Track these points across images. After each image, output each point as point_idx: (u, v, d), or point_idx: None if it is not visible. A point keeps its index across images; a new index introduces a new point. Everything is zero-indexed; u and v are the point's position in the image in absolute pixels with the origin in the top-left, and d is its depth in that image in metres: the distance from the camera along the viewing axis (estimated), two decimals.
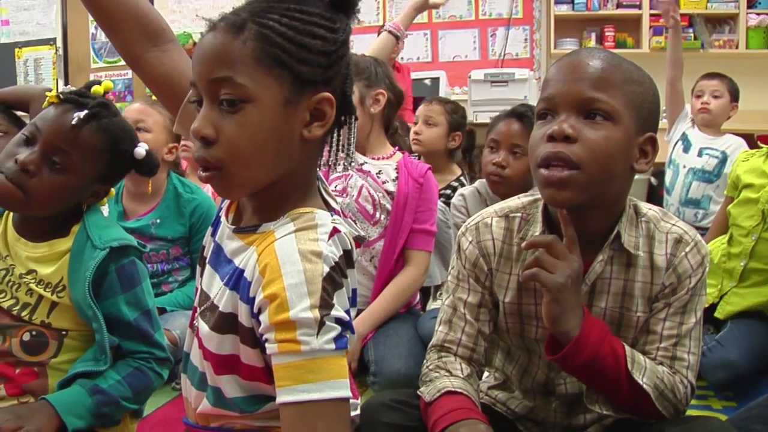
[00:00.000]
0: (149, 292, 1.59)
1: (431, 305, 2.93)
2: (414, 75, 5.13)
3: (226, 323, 1.11)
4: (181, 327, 2.41)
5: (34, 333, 1.52)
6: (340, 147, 1.16)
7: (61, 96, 1.50)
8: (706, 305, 2.45)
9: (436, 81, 5.43)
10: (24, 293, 1.51)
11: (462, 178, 3.64)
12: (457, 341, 1.47)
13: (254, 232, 1.11)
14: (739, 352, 2.30)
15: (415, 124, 3.56)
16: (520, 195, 1.52)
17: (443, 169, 3.60)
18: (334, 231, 1.07)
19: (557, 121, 1.28)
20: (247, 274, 1.07)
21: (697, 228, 3.56)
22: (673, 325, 1.38)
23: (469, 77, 5.18)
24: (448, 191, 3.49)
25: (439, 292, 3.00)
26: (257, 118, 1.03)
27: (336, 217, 1.12)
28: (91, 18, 7.01)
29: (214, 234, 1.23)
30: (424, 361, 1.50)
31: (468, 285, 1.48)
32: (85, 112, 1.47)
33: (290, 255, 1.02)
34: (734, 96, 3.81)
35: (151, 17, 1.29)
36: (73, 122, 1.45)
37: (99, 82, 1.57)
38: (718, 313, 2.51)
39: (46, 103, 1.52)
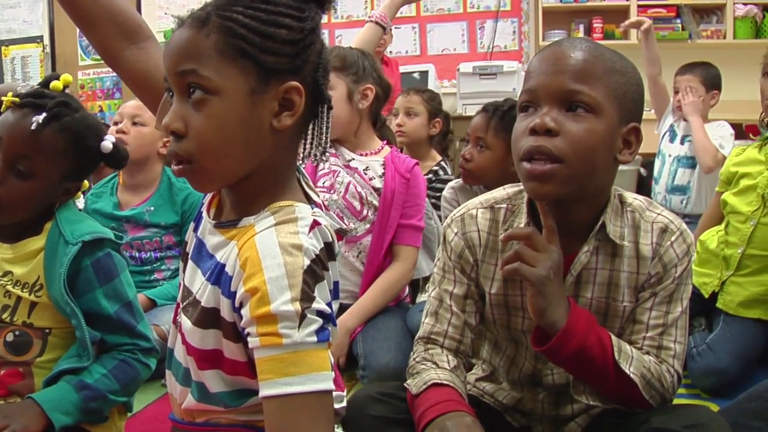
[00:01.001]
0: (129, 283, 1.58)
1: (420, 298, 2.94)
2: (402, 69, 5.13)
3: (208, 318, 1.11)
4: (170, 322, 2.40)
5: (17, 333, 1.52)
6: (314, 138, 1.15)
7: (18, 99, 1.48)
8: (706, 295, 2.47)
9: (425, 74, 5.42)
10: (2, 296, 1.51)
11: (443, 162, 3.72)
12: (444, 333, 1.47)
13: (234, 227, 1.11)
14: (729, 359, 2.27)
15: (396, 115, 3.58)
16: (506, 186, 1.52)
17: (424, 155, 3.69)
18: (315, 224, 1.07)
19: (539, 114, 1.27)
20: (228, 269, 1.07)
21: (683, 216, 3.60)
22: (659, 314, 1.38)
23: (458, 70, 5.19)
24: (430, 175, 3.57)
25: (427, 285, 3.00)
26: (223, 110, 1.03)
27: (316, 209, 1.11)
28: None
29: (196, 229, 1.22)
30: (411, 353, 1.50)
31: (454, 276, 1.48)
32: (44, 115, 1.45)
33: (270, 248, 1.02)
34: (711, 84, 3.80)
35: (126, 15, 1.29)
36: (33, 127, 1.44)
37: (57, 77, 1.56)
38: (720, 303, 2.50)
39: (3, 107, 1.49)
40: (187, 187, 2.65)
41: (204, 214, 1.21)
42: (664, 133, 3.95)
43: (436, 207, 2.90)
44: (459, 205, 2.49)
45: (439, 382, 1.37)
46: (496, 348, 1.57)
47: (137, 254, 2.68)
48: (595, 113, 1.26)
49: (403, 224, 2.47)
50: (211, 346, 1.12)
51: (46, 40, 7.28)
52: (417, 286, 2.96)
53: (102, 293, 1.52)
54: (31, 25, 7.30)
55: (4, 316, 1.51)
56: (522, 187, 1.44)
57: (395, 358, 2.09)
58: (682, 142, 3.83)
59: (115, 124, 2.67)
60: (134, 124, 2.63)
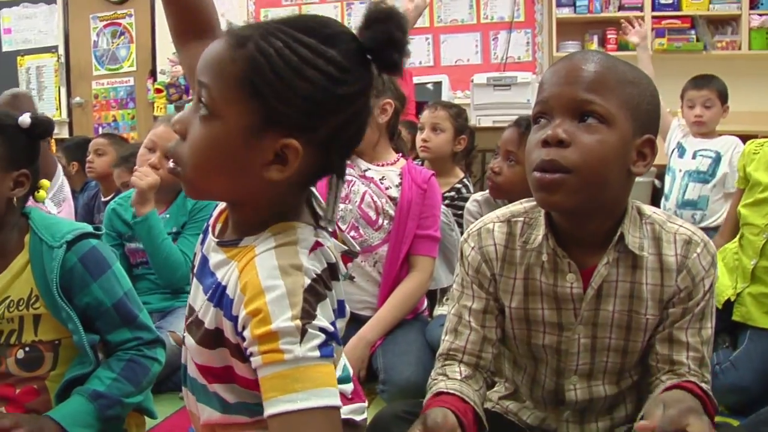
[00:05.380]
0: (123, 274, 1.58)
1: (438, 311, 2.92)
2: (416, 79, 5.12)
3: (213, 339, 1.09)
4: None
5: (27, 349, 1.52)
6: (320, 207, 1.13)
7: None
8: (719, 305, 2.46)
9: (438, 85, 5.42)
10: (6, 323, 1.50)
11: (465, 180, 3.67)
12: (462, 349, 1.46)
13: (236, 246, 1.09)
14: (753, 377, 2.24)
15: (421, 130, 3.54)
16: (522, 200, 1.51)
17: (447, 172, 3.62)
18: (317, 245, 1.06)
19: (551, 125, 1.27)
20: (229, 291, 1.06)
21: (699, 228, 3.58)
22: (694, 331, 1.39)
23: (472, 81, 5.17)
24: (452, 193, 3.53)
25: (445, 297, 2.99)
26: (217, 135, 1.02)
27: (320, 231, 1.10)
28: (92, 26, 7.10)
29: (202, 243, 1.22)
30: (432, 370, 1.49)
31: (472, 291, 1.48)
32: None
33: (270, 271, 1.01)
34: (724, 99, 3.80)
35: (205, 12, 1.29)
36: None
37: None
38: (737, 316, 2.48)
39: None
40: None
41: (210, 229, 1.20)
42: (673, 150, 3.93)
43: (459, 225, 2.89)
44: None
45: (444, 390, 1.38)
46: (516, 366, 1.56)
47: None
48: (608, 124, 1.26)
49: (420, 234, 2.47)
50: (221, 363, 1.11)
51: (61, 50, 7.34)
52: (435, 298, 2.95)
53: (98, 286, 1.52)
54: (46, 35, 7.35)
55: (11, 340, 1.51)
56: None
57: (415, 373, 2.08)
58: (693, 157, 3.81)
59: (149, 150, 2.67)
60: (167, 158, 2.63)
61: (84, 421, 1.46)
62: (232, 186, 1.06)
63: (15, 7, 7.39)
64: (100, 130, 7.11)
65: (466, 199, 3.52)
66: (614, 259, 1.37)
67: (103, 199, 3.93)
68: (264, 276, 1.00)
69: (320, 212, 1.15)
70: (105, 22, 7.18)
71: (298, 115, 1.00)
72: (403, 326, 2.40)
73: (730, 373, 2.28)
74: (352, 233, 2.41)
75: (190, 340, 1.14)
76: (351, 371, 1.21)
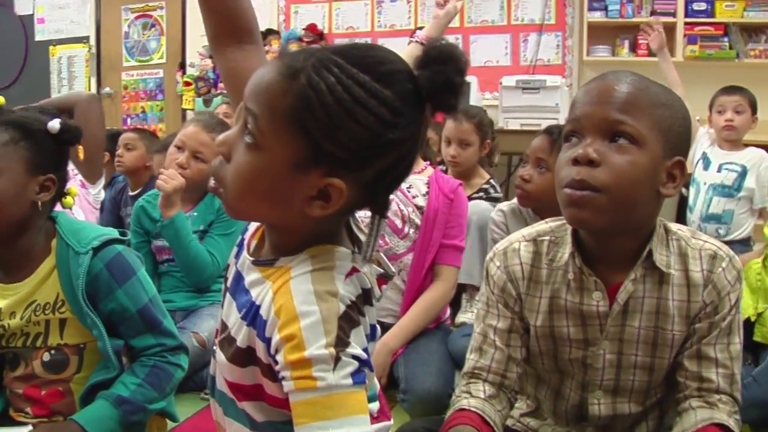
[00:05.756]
0: (147, 280, 1.59)
1: (461, 317, 2.93)
2: None
3: (245, 357, 1.09)
4: (209, 329, 2.44)
5: (52, 352, 1.54)
6: (357, 228, 1.12)
7: None
8: (743, 319, 2.44)
9: (467, 86, 5.40)
10: (32, 326, 1.52)
11: (492, 181, 3.71)
12: (487, 368, 1.46)
13: (272, 265, 1.08)
14: None
15: (447, 143, 3.54)
16: (548, 219, 1.52)
17: (472, 174, 3.67)
18: (353, 270, 1.05)
19: (582, 144, 1.28)
20: (263, 312, 1.05)
21: (724, 242, 3.55)
22: (723, 347, 1.39)
23: (501, 83, 5.16)
24: (481, 194, 3.58)
25: (469, 303, 2.99)
26: (261, 166, 1.00)
27: (357, 256, 1.09)
28: (124, 17, 7.15)
29: (237, 257, 1.21)
30: (457, 388, 1.50)
31: (497, 311, 1.48)
32: None
33: (305, 296, 0.99)
34: (754, 109, 3.76)
35: (244, 17, 1.27)
36: None
37: None
38: (758, 336, 2.46)
39: None
40: None
41: (245, 244, 1.20)
42: (697, 161, 3.90)
43: None
44: (507, 229, 2.52)
45: (465, 407, 1.38)
46: (540, 381, 1.56)
47: None
48: (639, 145, 1.26)
49: (446, 244, 2.47)
50: (251, 381, 1.11)
51: (92, 41, 7.40)
52: (458, 304, 2.95)
53: (123, 293, 1.53)
54: (78, 25, 7.42)
55: (37, 344, 1.53)
56: (565, 220, 1.43)
57: (436, 383, 2.08)
58: (719, 170, 3.78)
59: (178, 148, 2.69)
60: (195, 158, 2.65)
61: (107, 425, 1.47)
62: (272, 213, 1.05)
63: None
64: (129, 121, 7.17)
65: (494, 199, 3.55)
66: (641, 276, 1.38)
67: (130, 194, 3.96)
68: (299, 301, 0.99)
69: (357, 233, 1.14)
70: (136, 14, 7.23)
71: (345, 155, 0.97)
72: (426, 335, 2.40)
73: (753, 388, 2.25)
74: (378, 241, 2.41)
75: (221, 357, 1.13)
76: (378, 388, 1.21)
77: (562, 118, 4.96)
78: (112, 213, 3.91)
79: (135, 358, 1.58)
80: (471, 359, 1.49)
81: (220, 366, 1.15)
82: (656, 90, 1.31)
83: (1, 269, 1.56)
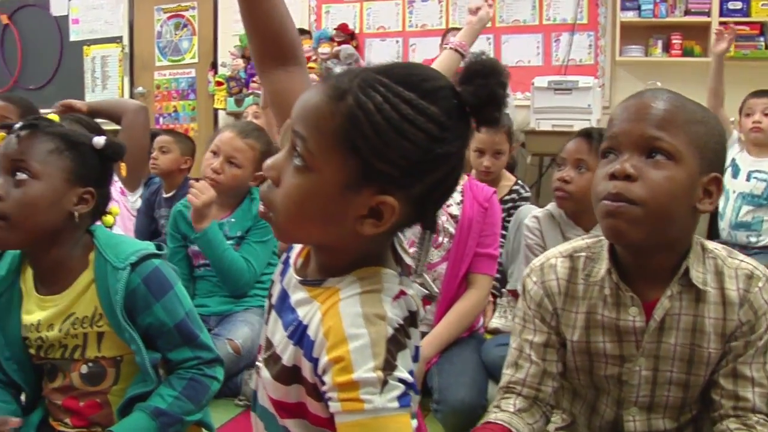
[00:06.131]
0: (184, 294, 1.60)
1: (494, 323, 2.93)
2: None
3: (290, 375, 1.10)
4: (244, 336, 2.46)
5: (90, 364, 1.55)
6: (401, 248, 1.12)
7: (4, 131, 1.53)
8: None
9: (508, 98, 5.39)
10: (70, 339, 1.54)
11: (519, 181, 3.75)
12: (522, 381, 1.48)
13: (319, 286, 1.09)
14: None
15: (480, 153, 3.54)
16: (584, 236, 1.53)
17: (500, 179, 3.70)
18: (400, 293, 1.05)
19: (620, 160, 1.29)
20: (310, 332, 1.06)
21: (754, 248, 3.52)
22: (759, 366, 1.39)
23: (533, 84, 5.14)
24: (513, 195, 3.63)
25: (503, 308, 2.99)
26: (312, 188, 1.00)
27: (404, 278, 1.09)
28: (156, 17, 7.21)
29: (282, 275, 1.22)
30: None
31: (534, 326, 1.49)
32: (20, 124, 1.50)
33: (354, 319, 1.00)
34: None
35: (290, 38, 1.29)
36: (16, 134, 1.48)
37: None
38: None
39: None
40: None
41: (291, 262, 1.21)
42: (727, 167, 3.85)
43: None
44: (542, 235, 2.52)
45: (491, 421, 1.40)
46: (576, 396, 1.56)
47: None
48: (675, 161, 1.27)
49: (480, 253, 2.47)
50: (295, 399, 1.12)
51: (126, 41, 7.47)
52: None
53: (160, 307, 1.54)
54: (111, 26, 7.49)
55: (75, 356, 1.55)
56: (601, 236, 1.44)
57: (469, 394, 2.09)
58: (747, 179, 3.74)
59: (213, 154, 2.71)
60: (230, 163, 2.68)
61: None
62: (323, 234, 1.05)
63: None
64: (161, 121, 7.23)
65: (526, 199, 3.56)
66: (677, 293, 1.38)
67: (164, 195, 4.01)
68: (348, 323, 1.00)
69: (401, 253, 1.14)
70: (168, 14, 7.28)
71: (396, 172, 0.98)
72: (459, 345, 2.39)
73: None
74: (412, 249, 2.42)
75: (265, 374, 1.15)
76: (416, 406, 1.22)
77: (594, 119, 4.94)
78: (146, 214, 3.95)
79: (172, 371, 1.59)
80: (507, 374, 1.51)
81: (264, 382, 1.16)
82: (692, 107, 1.32)
83: (39, 280, 1.57)
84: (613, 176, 1.28)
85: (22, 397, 1.65)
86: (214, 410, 1.84)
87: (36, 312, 1.55)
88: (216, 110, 6.94)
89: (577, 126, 4.93)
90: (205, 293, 2.75)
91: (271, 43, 1.27)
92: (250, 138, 2.72)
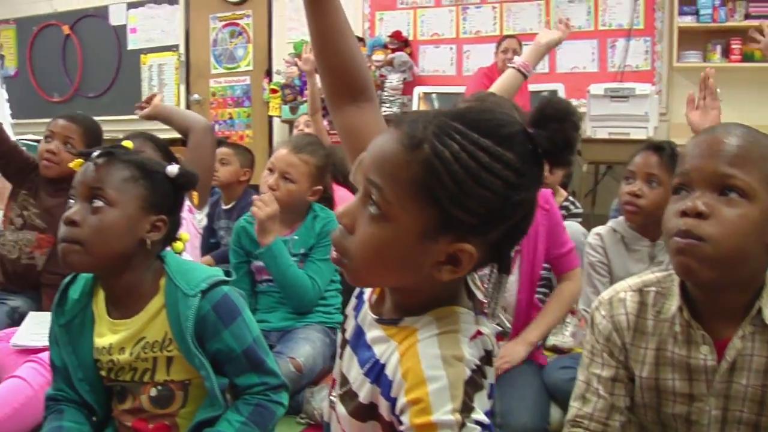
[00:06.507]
0: (251, 319, 1.61)
1: (551, 340, 2.91)
2: (531, 87, 5.08)
3: (366, 412, 1.11)
4: (305, 354, 2.47)
5: (159, 387, 1.58)
6: (474, 285, 1.13)
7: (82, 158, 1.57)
8: None
9: (553, 94, 5.36)
10: (140, 362, 1.57)
11: (570, 197, 3.73)
12: (589, 416, 1.47)
13: (395, 325, 1.10)
14: None
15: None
16: (654, 269, 1.51)
17: (554, 191, 3.66)
18: (477, 333, 1.06)
19: (691, 197, 1.27)
20: (388, 372, 1.06)
21: None
22: None
23: (588, 92, 5.10)
24: (563, 212, 3.54)
25: (562, 325, 2.97)
26: (389, 237, 1.00)
27: (480, 317, 1.10)
28: (212, 26, 7.31)
29: (356, 310, 1.23)
30: None
31: (602, 360, 1.48)
32: (98, 151, 1.53)
33: (433, 360, 1.01)
34: None
35: (360, 76, 1.29)
36: (93, 161, 1.52)
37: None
38: None
39: (75, 164, 1.57)
40: (327, 217, 2.75)
41: (365, 298, 1.21)
42: None
43: None
44: (605, 252, 2.49)
45: None
46: (642, 431, 1.55)
47: None
48: (749, 199, 1.24)
49: (560, 253, 2.45)
50: None
51: (182, 49, 7.58)
52: None
53: (229, 333, 1.56)
54: (168, 34, 7.62)
55: (145, 378, 1.58)
56: (671, 271, 1.42)
57: (532, 418, 2.07)
58: None
59: (270, 171, 2.75)
60: (284, 179, 2.71)
61: None
62: (399, 280, 1.06)
63: (140, 7, 7.70)
64: (217, 128, 7.32)
65: (575, 215, 3.53)
66: (750, 333, 1.35)
67: (224, 207, 4.05)
68: (426, 365, 1.00)
69: (474, 289, 1.14)
70: (224, 22, 7.38)
71: (474, 220, 0.97)
72: (520, 367, 2.38)
73: None
74: (485, 286, 2.40)
75: (341, 409, 1.16)
76: None
77: (651, 127, 4.89)
78: (206, 226, 4.00)
79: (238, 396, 1.62)
80: (574, 407, 1.50)
81: (340, 417, 1.17)
82: (766, 142, 1.29)
83: (111, 304, 1.61)
84: (684, 213, 1.26)
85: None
86: (276, 428, 1.86)
87: (108, 335, 1.59)
88: (270, 117, 7.01)
89: (634, 134, 4.93)
90: (267, 309, 2.77)
91: (342, 80, 1.28)
92: (303, 153, 2.74)
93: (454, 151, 0.96)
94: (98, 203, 1.50)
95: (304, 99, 6.24)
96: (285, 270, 2.61)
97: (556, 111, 1.02)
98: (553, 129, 1.01)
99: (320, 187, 2.76)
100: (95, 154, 1.54)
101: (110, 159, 1.53)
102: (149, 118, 2.83)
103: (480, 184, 0.96)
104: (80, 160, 1.56)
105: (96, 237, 1.49)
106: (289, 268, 2.62)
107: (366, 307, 1.19)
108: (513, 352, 2.28)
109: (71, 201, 1.53)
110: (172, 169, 1.59)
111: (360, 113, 1.29)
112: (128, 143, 1.62)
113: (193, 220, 2.68)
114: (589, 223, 3.14)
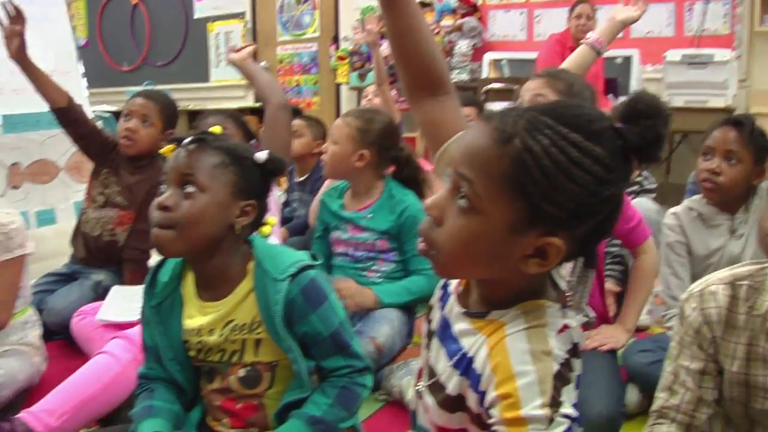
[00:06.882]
0: (337, 304, 1.62)
1: None
2: (604, 53, 4.94)
3: (455, 403, 1.12)
4: (385, 335, 2.49)
5: (247, 368, 1.60)
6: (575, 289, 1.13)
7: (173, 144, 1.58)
8: None
9: (627, 60, 5.25)
10: (229, 344, 1.59)
11: (644, 173, 3.59)
12: (676, 407, 1.46)
13: (482, 318, 1.11)
14: None
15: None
16: (745, 262, 1.48)
17: None
18: (564, 327, 1.06)
19: None
20: (476, 366, 1.08)
21: None
22: None
23: (665, 58, 4.96)
24: (635, 187, 3.48)
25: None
26: (478, 230, 1.01)
27: (567, 311, 1.10)
28: None
29: (443, 302, 1.23)
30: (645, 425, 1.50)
31: (690, 352, 1.47)
32: (189, 138, 1.55)
33: (522, 355, 1.01)
34: None
35: (438, 70, 1.31)
36: (185, 148, 1.53)
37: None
38: None
39: (166, 150, 1.59)
40: (405, 200, 2.72)
41: (451, 290, 1.22)
42: None
43: None
44: (683, 231, 2.44)
45: None
46: (729, 424, 1.52)
47: (352, 252, 2.78)
48: None
49: (629, 228, 2.40)
50: (458, 425, 1.14)
51: (248, 17, 7.61)
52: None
53: (316, 317, 1.57)
54: (234, 2, 7.65)
55: (233, 359, 1.60)
56: (764, 264, 1.41)
57: (607, 406, 2.00)
58: None
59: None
60: (334, 144, 2.73)
61: None
62: (487, 272, 1.07)
63: None
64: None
65: (648, 191, 3.44)
66: None
67: (297, 180, 4.07)
68: (515, 360, 1.01)
69: (556, 278, 1.14)
70: None
71: (563, 214, 0.98)
72: (591, 353, 2.31)
73: None
74: (569, 279, 2.39)
75: (430, 400, 1.17)
76: None
77: (730, 95, 4.74)
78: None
79: (324, 378, 1.64)
80: (660, 397, 1.49)
81: (431, 409, 1.18)
82: None
83: (200, 287, 1.63)
84: None
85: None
86: None
87: (197, 317, 1.61)
88: (338, 85, 7.01)
89: (712, 102, 4.79)
90: None
91: (421, 74, 1.30)
92: (349, 116, 2.77)
93: (544, 146, 0.96)
94: (190, 189, 1.52)
95: (372, 66, 6.23)
96: (403, 300, 2.66)
97: (647, 107, 1.03)
98: (644, 126, 1.02)
99: (365, 152, 2.72)
100: (187, 140, 1.56)
101: (201, 145, 1.55)
102: (235, 64, 2.82)
103: (570, 179, 0.96)
104: (172, 146, 1.58)
105: (188, 221, 1.51)
106: (403, 294, 2.67)
107: (453, 299, 1.20)
108: (615, 335, 2.27)
109: (162, 187, 1.55)
110: (261, 155, 1.60)
111: (440, 107, 1.31)
112: (217, 128, 1.63)
113: (272, 197, 2.70)
114: (663, 194, 3.05)
